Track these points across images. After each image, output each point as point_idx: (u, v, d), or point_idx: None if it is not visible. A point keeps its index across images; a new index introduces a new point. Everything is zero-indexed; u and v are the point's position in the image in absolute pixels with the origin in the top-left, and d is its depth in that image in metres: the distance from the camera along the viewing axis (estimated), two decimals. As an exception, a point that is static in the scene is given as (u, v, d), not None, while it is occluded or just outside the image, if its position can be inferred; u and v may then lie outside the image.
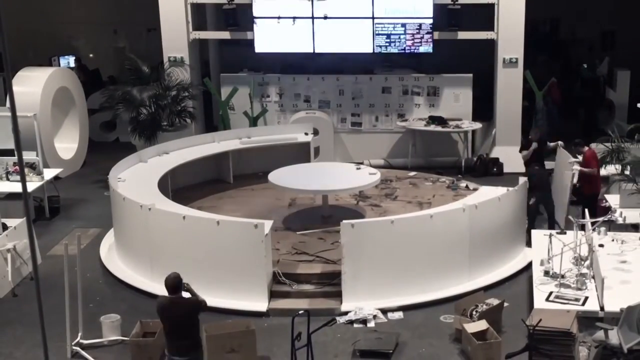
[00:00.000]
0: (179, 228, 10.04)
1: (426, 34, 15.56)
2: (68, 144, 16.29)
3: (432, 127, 15.73)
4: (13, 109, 4.27)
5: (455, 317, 9.04)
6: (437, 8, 15.48)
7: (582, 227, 9.72)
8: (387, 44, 15.74)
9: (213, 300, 9.63)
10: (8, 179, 12.75)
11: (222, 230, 9.80)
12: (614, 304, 8.15)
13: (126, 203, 10.69)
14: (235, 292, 9.71)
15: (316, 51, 15.96)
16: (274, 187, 11.95)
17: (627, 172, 11.01)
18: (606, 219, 10.28)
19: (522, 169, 13.06)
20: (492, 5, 15.50)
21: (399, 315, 9.57)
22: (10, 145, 12.72)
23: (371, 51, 15.89)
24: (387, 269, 9.79)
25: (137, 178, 12.03)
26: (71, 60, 20.36)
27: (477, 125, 15.96)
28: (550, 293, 8.64)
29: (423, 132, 15.88)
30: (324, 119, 16.16)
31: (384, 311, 9.55)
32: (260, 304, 9.62)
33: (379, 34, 15.65)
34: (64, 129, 16.43)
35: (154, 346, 8.43)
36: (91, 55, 21.28)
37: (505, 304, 9.28)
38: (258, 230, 9.57)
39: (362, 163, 14.42)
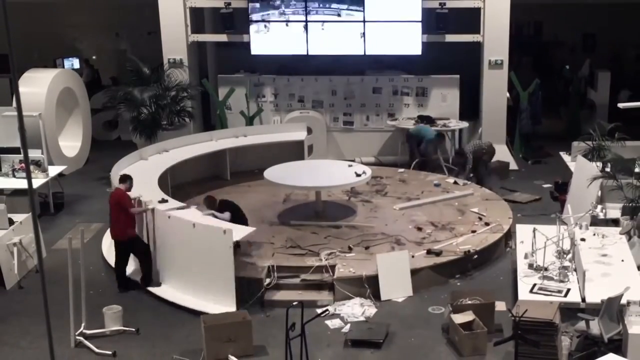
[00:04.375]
0: (167, 226, 10.09)
1: (415, 37, 15.73)
2: (72, 142, 16.39)
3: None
4: (19, 108, 4.35)
5: (445, 309, 9.19)
6: (426, 12, 15.65)
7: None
8: (378, 46, 15.91)
9: (187, 299, 9.74)
10: (14, 176, 12.84)
11: (197, 233, 9.67)
12: (595, 296, 8.30)
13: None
14: (206, 294, 9.62)
15: (310, 53, 16.15)
16: (269, 183, 12.14)
17: (607, 169, 11.41)
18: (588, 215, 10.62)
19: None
20: (478, 9, 15.71)
21: (389, 306, 9.69)
22: (17, 143, 13.03)
23: (362, 53, 16.08)
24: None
25: (138, 175, 11.97)
26: (75, 62, 20.45)
27: (464, 124, 16.12)
28: (534, 285, 8.77)
29: (413, 131, 16.11)
30: (317, 118, 16.35)
31: (375, 302, 9.70)
32: (229, 309, 9.28)
33: (370, 37, 15.80)
34: (67, 127, 16.54)
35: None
36: (94, 57, 21.44)
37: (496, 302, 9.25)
38: (226, 236, 9.37)
39: (354, 160, 14.62)
